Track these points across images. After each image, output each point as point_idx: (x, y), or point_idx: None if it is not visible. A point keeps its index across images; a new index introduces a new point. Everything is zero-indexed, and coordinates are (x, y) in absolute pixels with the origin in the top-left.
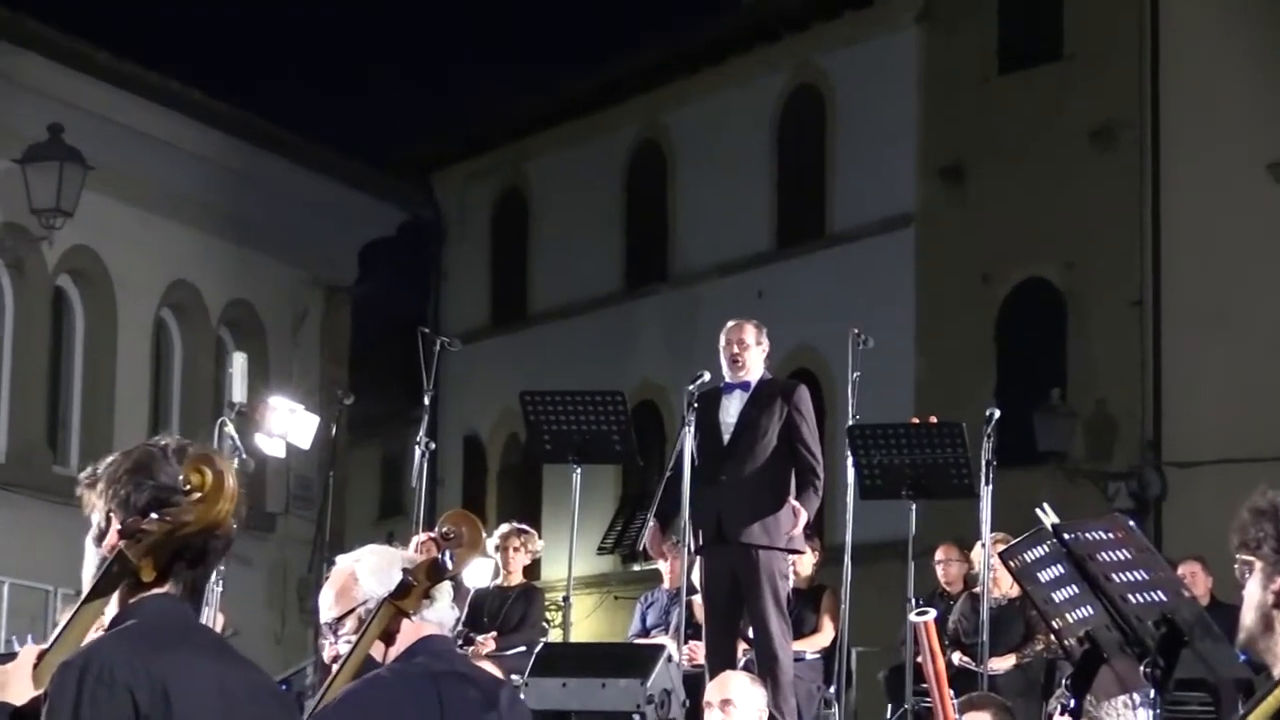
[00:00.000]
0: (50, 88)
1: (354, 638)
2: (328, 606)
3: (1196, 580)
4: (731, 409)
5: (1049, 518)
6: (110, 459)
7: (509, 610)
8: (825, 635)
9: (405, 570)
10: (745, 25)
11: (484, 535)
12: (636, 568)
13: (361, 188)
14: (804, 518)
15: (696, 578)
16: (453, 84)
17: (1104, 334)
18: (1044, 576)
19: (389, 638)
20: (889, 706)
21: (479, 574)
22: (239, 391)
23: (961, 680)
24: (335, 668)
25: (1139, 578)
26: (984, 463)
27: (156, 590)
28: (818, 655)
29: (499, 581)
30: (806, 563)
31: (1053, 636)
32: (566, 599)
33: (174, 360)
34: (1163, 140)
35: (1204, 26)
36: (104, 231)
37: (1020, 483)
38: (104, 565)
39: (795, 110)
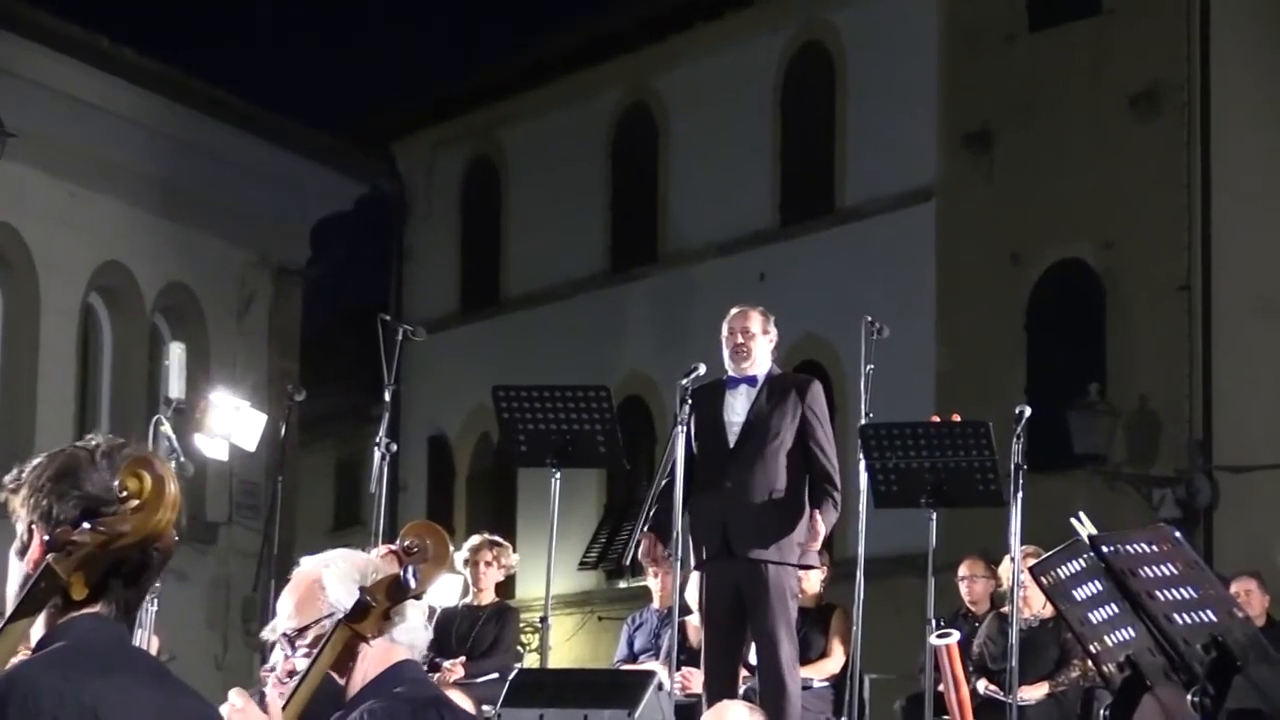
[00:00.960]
0: None
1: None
2: (287, 615)
3: (1251, 599)
4: (737, 406)
5: (1085, 528)
6: (34, 462)
7: (480, 632)
8: (835, 660)
9: (362, 589)
10: None
11: (451, 548)
12: (623, 585)
13: (315, 157)
14: (823, 533)
15: (691, 596)
16: (417, 42)
17: (1147, 322)
18: (1080, 594)
19: (343, 664)
20: None
21: (446, 592)
22: (176, 386)
23: (987, 711)
24: (289, 688)
25: (1186, 596)
26: (1013, 467)
27: (88, 610)
28: (826, 683)
29: (468, 600)
30: (814, 579)
31: (1090, 662)
32: (544, 620)
33: (103, 351)
34: (1213, 104)
35: None
36: (25, 207)
37: (1054, 489)
38: (29, 582)
39: (802, 71)
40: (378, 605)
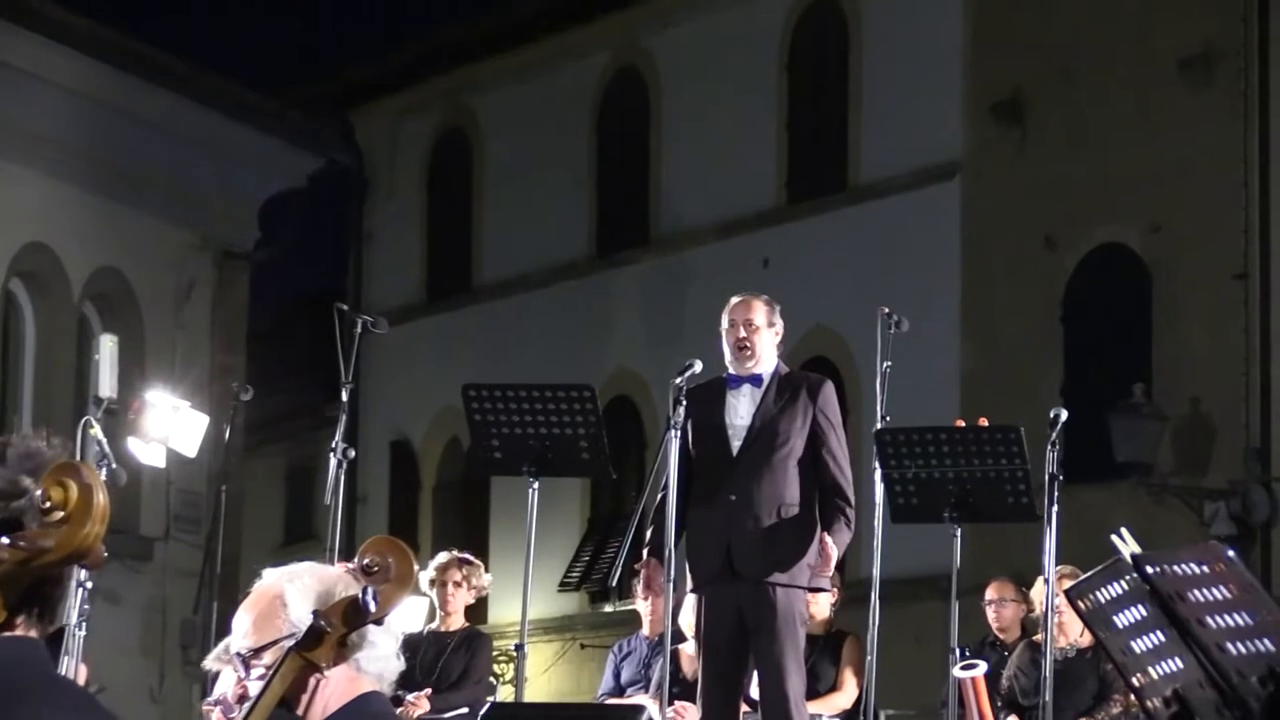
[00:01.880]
0: None
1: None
2: (243, 633)
3: None
4: (741, 409)
5: (1128, 546)
6: None
7: (448, 661)
8: (847, 694)
9: (316, 613)
10: None
11: (416, 567)
12: (609, 609)
13: (263, 127)
14: (835, 557)
15: (685, 621)
16: None
17: (1199, 315)
18: (1122, 621)
19: (297, 696)
20: None
21: (410, 616)
22: (107, 384)
23: None
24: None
25: (1241, 622)
26: (1047, 477)
27: (6, 634)
28: (838, 718)
29: (435, 625)
30: (823, 603)
31: (1132, 696)
32: (520, 647)
33: (25, 343)
34: (1272, 70)
35: None
36: None
37: (1093, 503)
38: None
39: (811, 31)
40: (333, 631)
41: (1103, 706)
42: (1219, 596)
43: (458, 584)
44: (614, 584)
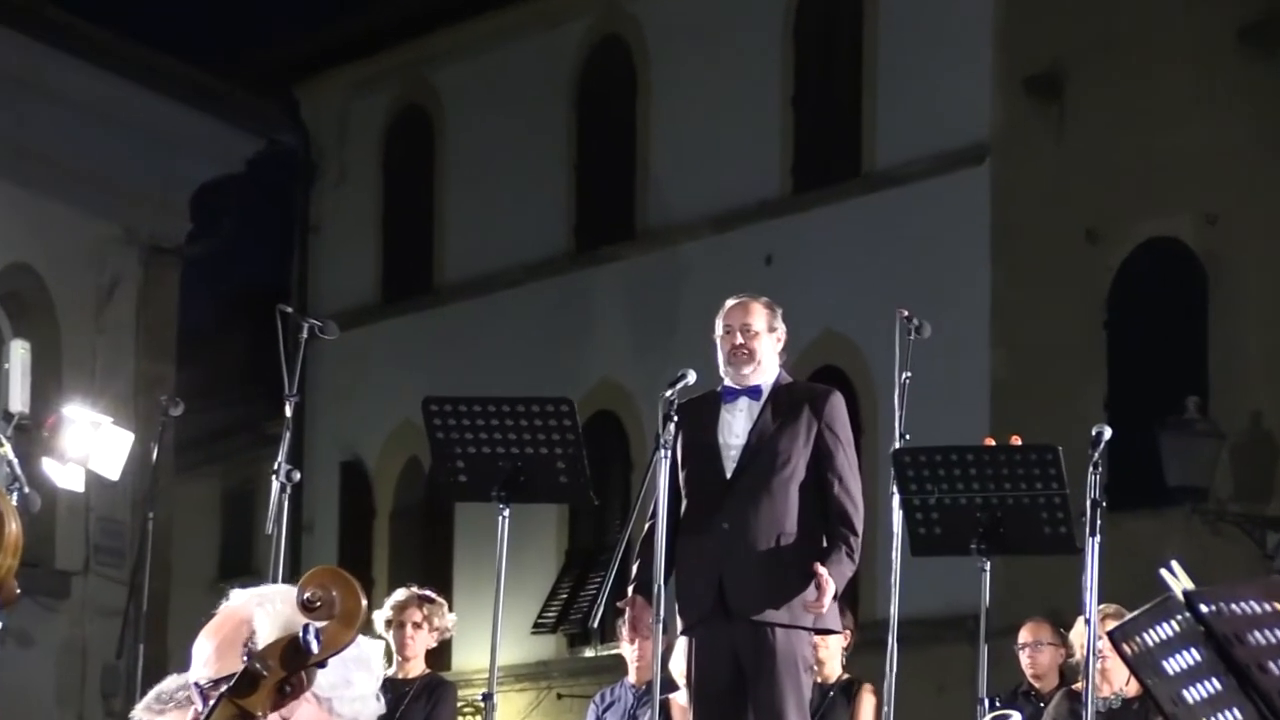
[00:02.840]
0: None
1: None
2: (203, 661)
3: None
4: (736, 426)
5: (1180, 582)
6: None
7: (406, 713)
8: None
9: (250, 653)
10: None
11: (364, 602)
12: (589, 653)
13: (196, 104)
14: (831, 591)
15: (676, 667)
16: None
17: (1261, 318)
18: (1172, 666)
19: None
20: None
21: (370, 657)
22: (18, 397)
23: None
24: None
25: None
26: (1088, 503)
27: None
28: None
29: (392, 672)
30: (834, 647)
31: None
32: (489, 697)
33: None
34: None
35: None
36: None
37: (1141, 532)
38: None
39: None
40: (269, 675)
41: None
42: None
43: (417, 625)
44: (595, 625)
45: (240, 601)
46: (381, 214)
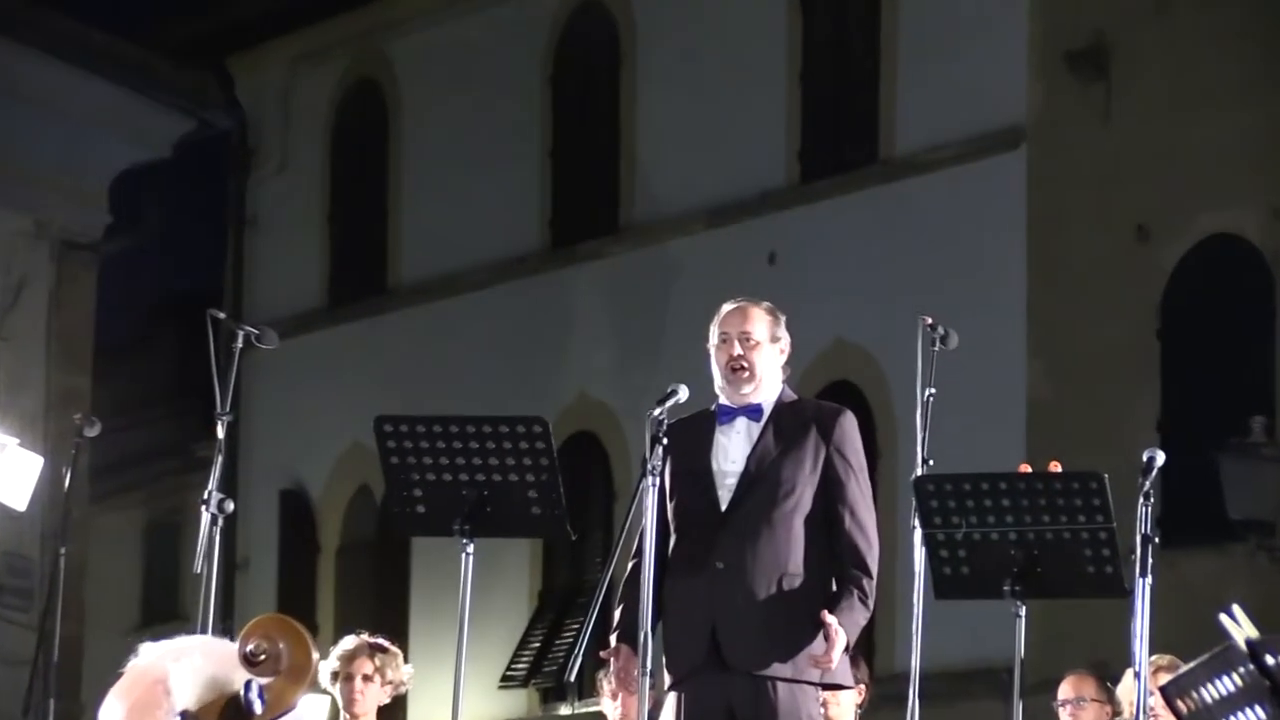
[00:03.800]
0: None
1: None
2: None
3: None
4: (732, 450)
5: (1243, 629)
6: None
7: None
8: None
9: (184, 714)
10: None
11: (315, 655)
12: (566, 710)
13: (117, 80)
14: (842, 643)
15: None
16: None
17: None
18: None
19: None
20: None
21: (308, 718)
22: None
23: None
24: None
25: None
26: (1139, 539)
27: None
28: None
29: None
30: (845, 704)
31: None
32: None
33: None
34: None
35: None
36: None
37: (1199, 572)
38: None
39: None
40: None
41: None
42: None
43: (368, 677)
44: (572, 678)
45: (152, 658)
46: (328, 205)
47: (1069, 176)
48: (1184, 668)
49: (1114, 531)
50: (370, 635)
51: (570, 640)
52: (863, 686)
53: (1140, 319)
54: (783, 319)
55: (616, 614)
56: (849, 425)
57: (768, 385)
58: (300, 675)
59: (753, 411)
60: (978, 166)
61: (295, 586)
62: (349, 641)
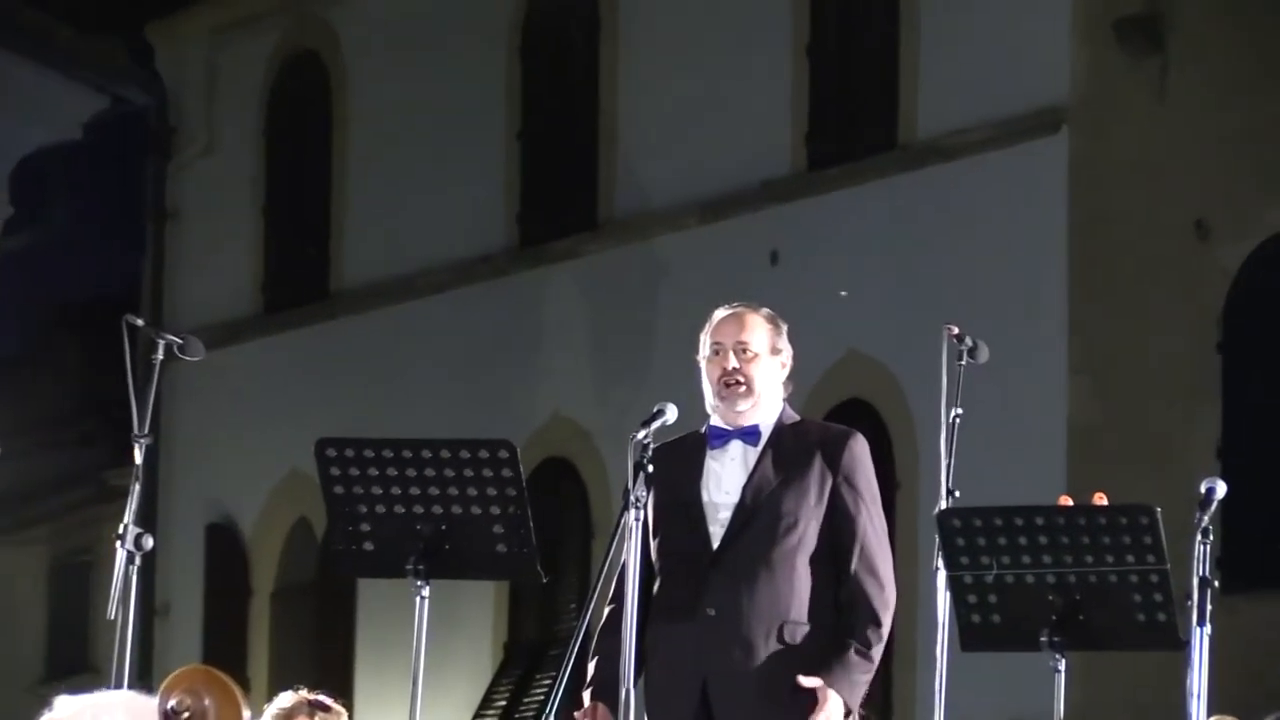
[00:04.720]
0: None
1: None
2: None
3: None
4: (726, 479)
5: None
6: None
7: None
8: None
9: None
10: None
11: (246, 712)
12: None
13: (19, 49)
14: (833, 706)
15: None
16: None
17: None
18: None
19: None
20: None
21: None
22: None
23: None
24: None
25: None
26: (1196, 582)
27: None
28: None
29: None
30: None
31: None
32: None
33: None
34: None
35: None
36: None
37: (1264, 621)
38: None
39: None
40: None
41: None
42: None
43: None
44: None
45: (69, 714)
46: (262, 196)
47: (1117, 164)
48: None
49: (1167, 574)
50: (310, 691)
51: (540, 698)
52: None
53: (1199, 329)
54: (785, 328)
55: (592, 667)
56: (860, 450)
57: (767, 404)
58: None
59: (749, 434)
60: (1012, 153)
61: (223, 634)
62: (285, 698)
